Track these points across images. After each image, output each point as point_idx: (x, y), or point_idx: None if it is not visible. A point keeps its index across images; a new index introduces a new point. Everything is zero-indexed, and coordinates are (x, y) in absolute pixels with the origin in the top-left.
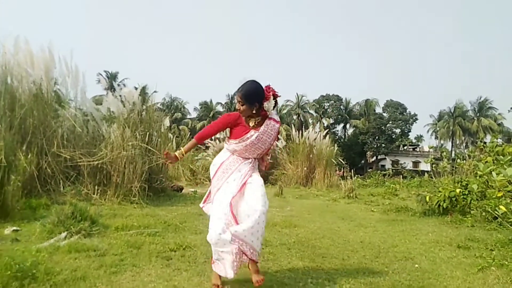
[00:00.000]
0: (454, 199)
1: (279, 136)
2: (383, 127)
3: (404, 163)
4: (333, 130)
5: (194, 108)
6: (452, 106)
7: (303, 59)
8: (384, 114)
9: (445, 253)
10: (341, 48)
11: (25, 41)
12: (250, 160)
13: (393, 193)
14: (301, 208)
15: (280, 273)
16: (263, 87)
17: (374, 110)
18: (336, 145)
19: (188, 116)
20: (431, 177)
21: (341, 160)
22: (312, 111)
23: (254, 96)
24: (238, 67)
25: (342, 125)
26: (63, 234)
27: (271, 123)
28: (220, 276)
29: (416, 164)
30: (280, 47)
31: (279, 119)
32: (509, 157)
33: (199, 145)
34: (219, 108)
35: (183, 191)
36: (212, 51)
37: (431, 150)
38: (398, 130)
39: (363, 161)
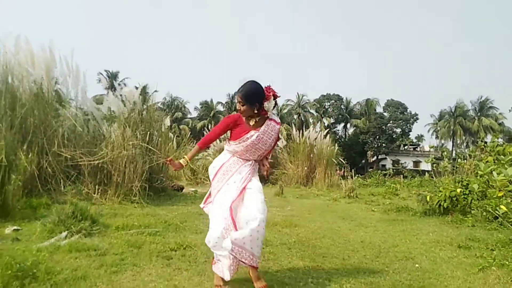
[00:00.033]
0: (454, 198)
1: (279, 135)
2: (383, 127)
3: (405, 162)
4: (334, 129)
5: (195, 108)
6: (453, 106)
7: (304, 59)
8: (385, 114)
9: (446, 253)
10: (341, 47)
11: (25, 40)
12: (250, 162)
13: (393, 193)
14: (301, 207)
15: (280, 273)
16: (263, 87)
17: (375, 110)
18: (336, 144)
19: (189, 116)
20: (432, 177)
21: (341, 159)
22: (312, 111)
23: (254, 96)
24: (238, 67)
25: (342, 124)
26: (64, 234)
27: (271, 124)
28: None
29: (416, 163)
30: (280, 47)
31: (279, 121)
32: (510, 157)
33: None
34: (220, 108)
35: (183, 190)
36: (212, 51)
37: (431, 149)
38: (398, 130)
39: (363, 161)
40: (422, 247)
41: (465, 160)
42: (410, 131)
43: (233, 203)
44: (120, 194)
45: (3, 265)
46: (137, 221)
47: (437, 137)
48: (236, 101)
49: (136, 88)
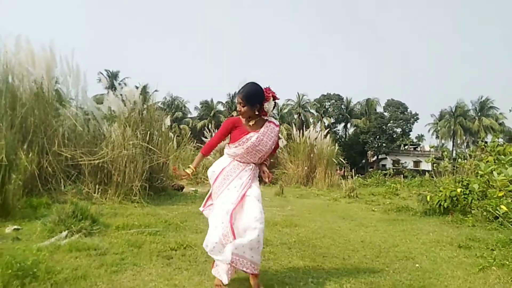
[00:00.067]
0: (455, 198)
1: (280, 135)
2: (384, 127)
3: (405, 162)
4: (334, 129)
5: (195, 107)
6: (453, 106)
7: (304, 59)
8: (385, 114)
9: (446, 253)
10: (341, 47)
11: (26, 40)
12: (251, 167)
13: (394, 193)
14: (301, 207)
15: (280, 273)
16: (263, 88)
17: (375, 110)
18: (337, 144)
19: (189, 115)
20: (432, 177)
21: (342, 159)
22: (313, 111)
23: (254, 97)
24: (238, 66)
25: (343, 124)
26: (64, 233)
27: (270, 126)
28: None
29: (417, 163)
30: (280, 47)
31: (278, 123)
32: (510, 157)
33: (199, 145)
34: (220, 107)
35: (183, 190)
36: (212, 51)
37: (432, 149)
38: (399, 130)
39: (364, 161)
40: (422, 247)
41: (466, 160)
42: (411, 131)
43: (233, 210)
44: (120, 193)
45: (4, 265)
46: (137, 221)
47: (437, 137)
48: (236, 102)
49: (137, 87)
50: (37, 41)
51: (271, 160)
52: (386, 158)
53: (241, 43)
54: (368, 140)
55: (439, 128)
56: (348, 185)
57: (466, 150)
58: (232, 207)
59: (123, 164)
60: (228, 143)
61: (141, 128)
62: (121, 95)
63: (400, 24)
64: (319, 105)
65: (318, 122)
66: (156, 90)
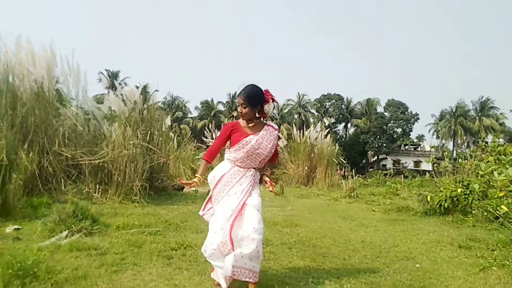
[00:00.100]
0: (455, 199)
1: (280, 135)
2: (384, 127)
3: (406, 162)
4: (334, 129)
5: (195, 107)
6: (453, 106)
7: (304, 59)
8: (386, 114)
9: (446, 253)
10: (342, 47)
11: (26, 40)
12: (251, 173)
13: (394, 193)
14: (302, 207)
15: (281, 273)
16: (263, 90)
17: (376, 110)
18: (337, 144)
19: (189, 115)
20: (433, 177)
21: (342, 159)
22: (313, 110)
23: (256, 99)
24: (238, 66)
25: (343, 124)
26: (64, 233)
27: (269, 129)
28: None
29: (417, 163)
30: (280, 47)
31: (277, 127)
32: (511, 157)
33: (200, 144)
34: (220, 107)
35: (184, 190)
36: (213, 51)
37: (432, 149)
38: (399, 130)
39: (364, 161)
40: (422, 247)
41: (466, 160)
42: (411, 131)
43: (234, 220)
44: (120, 193)
45: (4, 264)
46: (138, 221)
47: (437, 137)
48: (237, 104)
49: (137, 87)
50: (38, 41)
51: (272, 169)
52: (386, 158)
53: (241, 43)
54: (368, 140)
55: (439, 128)
56: (348, 185)
57: (467, 150)
58: (233, 216)
59: (123, 164)
60: (229, 148)
61: (141, 128)
62: (121, 95)
63: (400, 24)
64: (319, 105)
65: (318, 122)
66: (156, 90)
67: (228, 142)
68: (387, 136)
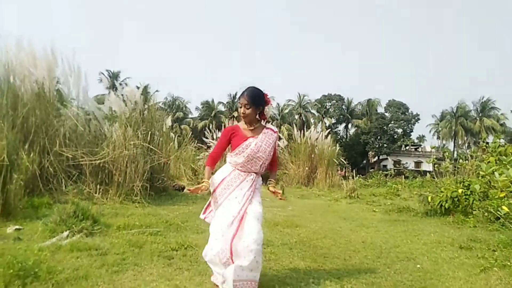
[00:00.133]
0: (456, 199)
1: (280, 135)
2: (385, 127)
3: (406, 163)
4: (335, 130)
5: (196, 108)
6: (454, 106)
7: (305, 59)
8: (386, 114)
9: (447, 254)
10: (343, 47)
11: (27, 40)
12: (252, 177)
13: (395, 193)
14: (302, 208)
15: (281, 273)
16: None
17: (376, 110)
18: (337, 145)
19: (190, 116)
20: (433, 177)
21: (342, 160)
22: (314, 111)
23: (259, 99)
24: (239, 67)
25: (344, 125)
26: (65, 233)
27: (268, 132)
28: None
29: (418, 164)
30: (281, 47)
31: (276, 129)
32: None
33: (200, 145)
34: (221, 108)
35: (184, 190)
36: (213, 51)
37: (433, 150)
38: (400, 130)
39: (365, 161)
40: (423, 247)
41: (467, 161)
42: (412, 131)
43: (237, 230)
44: (121, 193)
45: (5, 264)
46: (138, 221)
47: (438, 138)
48: (240, 104)
49: (138, 88)
50: (38, 42)
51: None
52: (387, 158)
53: (242, 44)
54: (369, 141)
55: (440, 128)
56: (349, 185)
57: (467, 150)
58: (235, 225)
59: (124, 164)
60: (230, 152)
61: (142, 128)
62: (122, 95)
63: (401, 25)
64: (320, 106)
65: (319, 123)
66: (157, 90)
67: (230, 146)
68: (388, 137)
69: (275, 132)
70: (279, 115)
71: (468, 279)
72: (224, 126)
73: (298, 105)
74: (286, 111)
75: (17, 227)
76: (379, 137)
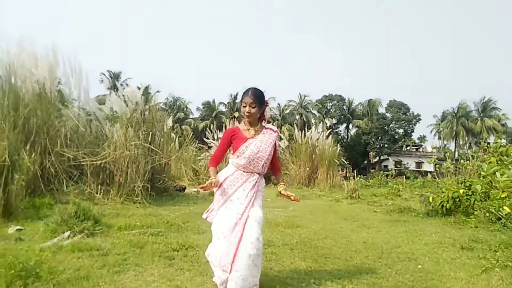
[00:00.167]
0: (457, 199)
1: (281, 136)
2: (386, 127)
3: (407, 163)
4: (336, 130)
5: (197, 108)
6: (455, 107)
7: (306, 59)
8: (387, 114)
9: (449, 254)
10: (343, 48)
11: (28, 41)
12: (254, 178)
13: (396, 194)
14: (303, 208)
15: (282, 273)
16: None
17: (377, 110)
18: (338, 145)
19: (191, 116)
20: (434, 178)
21: (343, 160)
22: (314, 111)
23: (262, 99)
24: (240, 67)
25: (344, 125)
26: (66, 234)
27: (268, 131)
28: None
29: (419, 164)
30: (282, 47)
31: (276, 129)
32: None
33: (201, 145)
34: (222, 108)
35: (185, 191)
36: (214, 52)
37: (434, 150)
38: (401, 131)
39: (365, 162)
40: (424, 248)
41: (468, 161)
42: (413, 131)
43: (242, 235)
44: (122, 194)
45: (7, 265)
46: (139, 221)
47: (439, 138)
48: (244, 104)
49: (139, 88)
50: (40, 42)
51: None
52: (388, 159)
53: (243, 44)
54: (370, 141)
55: (441, 129)
56: (350, 186)
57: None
58: (239, 230)
59: (125, 164)
60: (232, 153)
61: (143, 129)
62: (123, 95)
63: (402, 25)
64: (321, 106)
65: (320, 123)
66: (158, 91)
67: (231, 148)
68: (389, 137)
69: (275, 131)
70: (280, 115)
71: (470, 280)
72: (225, 126)
73: (299, 106)
74: (287, 111)
75: (18, 227)
76: (380, 138)
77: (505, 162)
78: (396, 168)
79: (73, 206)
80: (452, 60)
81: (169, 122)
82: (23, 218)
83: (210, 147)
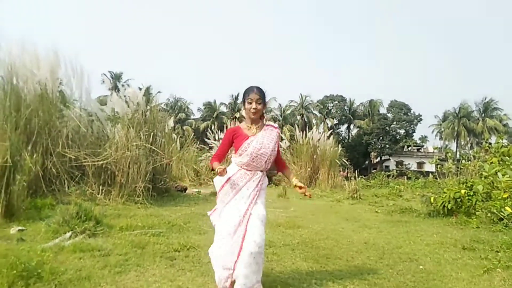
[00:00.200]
0: (459, 200)
1: (282, 136)
2: (387, 128)
3: (409, 164)
4: (337, 130)
5: (198, 109)
6: (457, 107)
7: (307, 60)
8: (388, 115)
9: (450, 255)
10: (344, 48)
11: (30, 42)
12: (258, 176)
13: (397, 194)
14: (305, 209)
15: (284, 274)
16: None
17: (378, 111)
18: (340, 145)
19: (192, 117)
20: (436, 178)
21: (345, 160)
22: (316, 112)
23: (265, 96)
24: (241, 67)
25: (346, 125)
26: (68, 234)
27: (269, 128)
28: None
29: (420, 165)
30: (283, 47)
31: (276, 126)
32: None
33: (202, 146)
34: (223, 109)
35: (187, 191)
36: (215, 52)
37: (435, 151)
38: (402, 131)
39: (367, 162)
40: (426, 248)
41: (470, 162)
42: (414, 132)
43: (245, 234)
44: (123, 194)
45: (8, 265)
46: (141, 222)
47: (441, 138)
48: (250, 100)
49: (140, 89)
50: (41, 43)
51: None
52: (389, 159)
53: (244, 44)
54: (371, 141)
55: (442, 129)
56: (351, 186)
57: (470, 151)
58: (242, 229)
59: (126, 165)
60: (234, 153)
61: (144, 129)
62: (124, 96)
63: (402, 25)
64: (322, 106)
65: (321, 123)
66: (159, 92)
67: (233, 147)
68: (390, 137)
69: (275, 128)
70: (281, 115)
71: (471, 280)
72: (226, 127)
73: (300, 106)
74: (288, 112)
75: (20, 228)
76: (381, 138)
77: (506, 163)
78: (397, 169)
79: (75, 206)
80: (453, 60)
81: (171, 122)
82: (24, 218)
83: (211, 148)
